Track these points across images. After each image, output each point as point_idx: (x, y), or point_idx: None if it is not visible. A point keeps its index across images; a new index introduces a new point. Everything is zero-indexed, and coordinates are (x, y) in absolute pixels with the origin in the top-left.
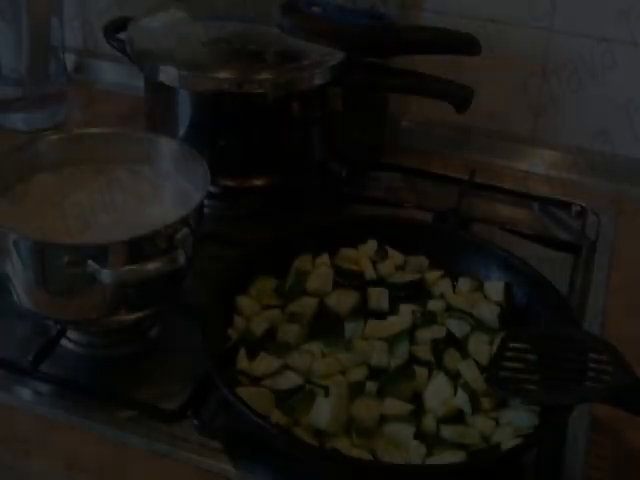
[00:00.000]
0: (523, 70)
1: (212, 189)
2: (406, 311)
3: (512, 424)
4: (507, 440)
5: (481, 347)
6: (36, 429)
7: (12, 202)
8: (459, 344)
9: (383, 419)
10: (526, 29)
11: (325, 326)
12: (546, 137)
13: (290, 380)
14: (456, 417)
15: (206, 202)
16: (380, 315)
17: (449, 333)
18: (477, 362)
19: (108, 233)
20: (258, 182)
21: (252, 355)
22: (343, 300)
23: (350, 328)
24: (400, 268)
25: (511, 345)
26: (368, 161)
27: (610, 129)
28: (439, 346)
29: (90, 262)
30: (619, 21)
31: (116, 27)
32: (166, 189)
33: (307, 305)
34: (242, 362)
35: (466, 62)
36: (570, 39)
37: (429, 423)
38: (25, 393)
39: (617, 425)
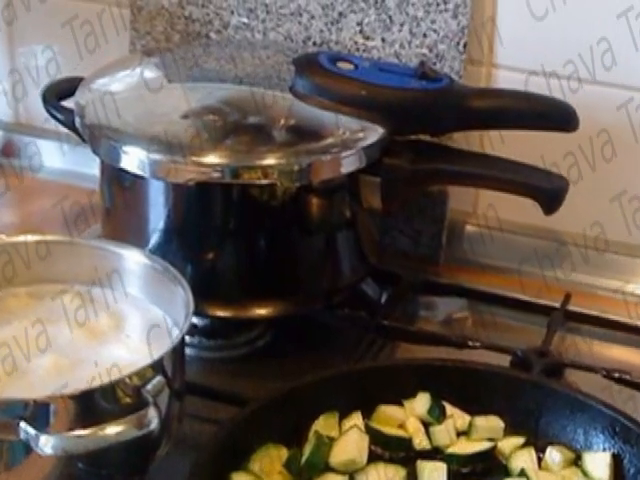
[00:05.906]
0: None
1: (197, 321)
2: None
3: None
4: None
5: None
6: None
7: None
8: None
9: None
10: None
11: None
12: None
13: None
14: None
15: (188, 340)
16: None
17: None
18: None
19: (49, 383)
20: (262, 311)
21: None
22: (383, 478)
23: None
24: (463, 433)
25: None
26: (418, 281)
27: None
28: None
29: (23, 425)
30: None
31: (61, 91)
32: (132, 321)
33: None
34: None
35: (557, 140)
36: None
37: None
38: None
39: None
